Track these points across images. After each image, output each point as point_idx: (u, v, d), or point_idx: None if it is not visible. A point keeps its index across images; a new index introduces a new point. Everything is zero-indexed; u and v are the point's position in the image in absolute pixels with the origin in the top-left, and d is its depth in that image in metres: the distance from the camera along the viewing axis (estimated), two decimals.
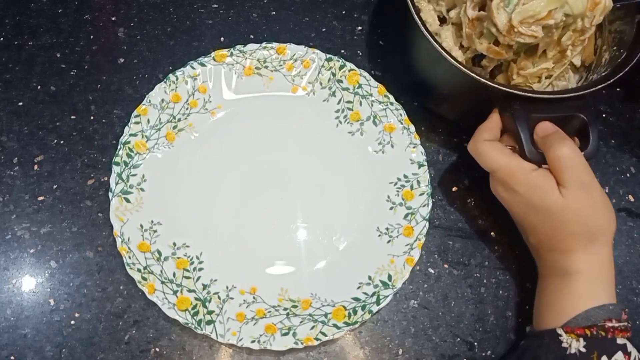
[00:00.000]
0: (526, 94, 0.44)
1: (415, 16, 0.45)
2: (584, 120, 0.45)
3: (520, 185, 0.44)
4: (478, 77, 0.44)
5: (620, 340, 0.40)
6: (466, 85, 0.46)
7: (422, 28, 0.45)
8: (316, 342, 0.46)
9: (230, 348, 0.47)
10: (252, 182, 0.52)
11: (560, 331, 0.42)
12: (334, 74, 0.55)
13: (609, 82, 0.45)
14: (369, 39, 0.59)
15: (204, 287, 0.48)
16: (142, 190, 0.50)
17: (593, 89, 0.45)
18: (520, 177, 0.43)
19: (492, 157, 0.45)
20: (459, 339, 0.49)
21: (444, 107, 0.54)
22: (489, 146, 0.45)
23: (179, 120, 0.53)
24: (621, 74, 0.46)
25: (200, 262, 0.49)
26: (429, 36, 0.45)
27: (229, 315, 0.46)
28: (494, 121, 0.47)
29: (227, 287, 0.48)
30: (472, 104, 0.50)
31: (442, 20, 0.54)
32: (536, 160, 0.44)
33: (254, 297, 0.48)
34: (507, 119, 0.46)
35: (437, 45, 0.45)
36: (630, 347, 0.40)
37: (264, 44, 0.55)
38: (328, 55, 0.55)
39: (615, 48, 0.50)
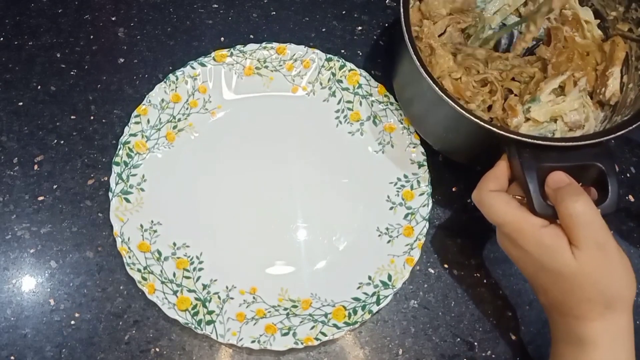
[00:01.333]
0: (535, 141, 0.40)
1: (418, 64, 0.42)
2: (602, 170, 0.40)
3: (529, 243, 0.39)
4: (482, 123, 0.41)
5: None
6: (471, 131, 0.43)
7: (426, 76, 0.42)
8: (316, 342, 0.46)
9: (230, 348, 0.47)
10: (252, 182, 0.52)
11: None
12: (334, 74, 0.55)
13: (629, 128, 0.41)
14: (369, 39, 0.59)
15: (204, 287, 0.48)
16: (142, 190, 0.50)
17: (611, 136, 0.41)
18: (529, 234, 0.39)
19: (497, 209, 0.41)
20: (459, 339, 0.49)
21: (455, 153, 0.52)
22: (494, 197, 0.41)
23: (179, 120, 0.53)
24: None
25: (200, 262, 0.49)
26: (433, 84, 0.42)
27: (229, 315, 0.46)
28: (501, 169, 0.43)
29: (227, 287, 0.48)
30: (479, 149, 0.47)
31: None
32: (546, 215, 0.40)
33: (254, 297, 0.48)
34: (515, 167, 0.42)
35: (439, 91, 0.42)
36: None
37: (264, 44, 0.55)
38: (328, 55, 0.55)
39: None
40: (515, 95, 0.50)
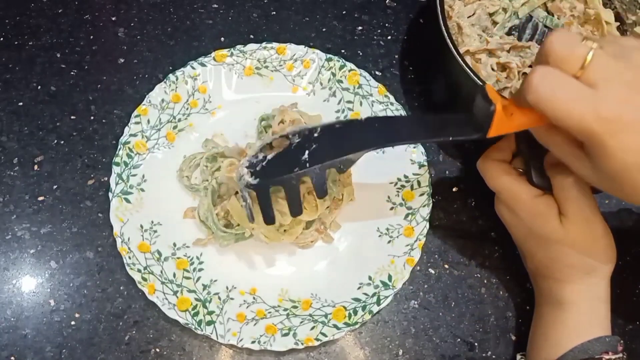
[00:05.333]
0: None
1: (449, 41, 0.45)
2: None
3: (523, 209, 0.43)
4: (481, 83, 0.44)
5: None
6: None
7: (454, 51, 0.45)
8: (316, 343, 0.46)
9: (230, 348, 0.47)
10: None
11: None
12: (334, 74, 0.55)
13: None
14: (369, 39, 0.59)
15: (204, 287, 0.48)
16: (142, 190, 0.50)
17: None
18: (523, 201, 0.43)
19: (497, 177, 0.44)
20: (459, 340, 0.49)
21: None
22: (496, 166, 0.45)
23: (179, 120, 0.53)
24: None
25: (200, 263, 0.49)
26: (461, 60, 0.45)
27: (229, 316, 0.46)
28: (506, 142, 0.46)
29: (227, 288, 0.48)
30: None
31: None
32: (542, 187, 0.43)
33: (254, 298, 0.48)
34: (520, 140, 0.45)
35: (464, 66, 0.45)
36: None
37: (264, 44, 0.55)
38: (328, 55, 0.55)
39: None
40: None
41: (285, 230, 0.48)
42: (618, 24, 0.55)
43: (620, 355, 0.41)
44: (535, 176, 0.43)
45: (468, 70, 0.45)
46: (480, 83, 0.44)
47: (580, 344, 0.41)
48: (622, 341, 0.42)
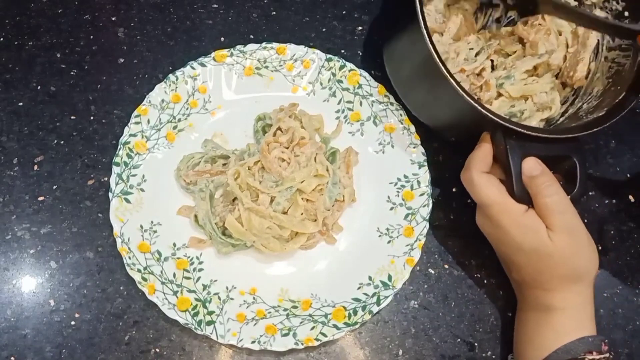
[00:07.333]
0: (524, 130, 0.43)
1: (424, 31, 0.42)
2: (575, 163, 0.45)
3: (512, 225, 0.43)
4: (476, 105, 0.42)
5: None
6: (464, 111, 0.44)
7: (431, 48, 0.42)
8: (316, 343, 0.46)
9: (230, 349, 0.47)
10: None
11: None
12: (334, 74, 0.55)
13: (605, 124, 0.44)
14: (369, 39, 0.59)
15: (204, 287, 0.48)
16: (142, 190, 0.50)
17: (590, 131, 0.44)
18: (513, 217, 0.43)
19: (488, 192, 0.44)
20: (459, 340, 0.49)
21: (438, 124, 0.52)
22: (486, 180, 0.44)
23: (179, 120, 0.53)
24: (619, 115, 0.45)
25: (200, 263, 0.49)
26: (438, 60, 0.42)
27: (229, 316, 0.46)
28: (487, 151, 0.45)
29: (227, 288, 0.48)
30: (462, 125, 0.49)
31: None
32: (523, 199, 0.43)
33: (254, 298, 0.48)
34: (500, 151, 0.44)
35: (442, 68, 0.42)
36: None
37: (264, 44, 0.55)
38: (328, 56, 0.55)
39: (610, 81, 0.48)
40: (492, 68, 0.52)
41: (287, 241, 0.48)
42: (577, 3, 0.52)
43: (607, 355, 0.41)
44: (517, 189, 0.43)
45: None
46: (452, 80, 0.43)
47: (563, 345, 0.41)
48: (606, 340, 0.42)
